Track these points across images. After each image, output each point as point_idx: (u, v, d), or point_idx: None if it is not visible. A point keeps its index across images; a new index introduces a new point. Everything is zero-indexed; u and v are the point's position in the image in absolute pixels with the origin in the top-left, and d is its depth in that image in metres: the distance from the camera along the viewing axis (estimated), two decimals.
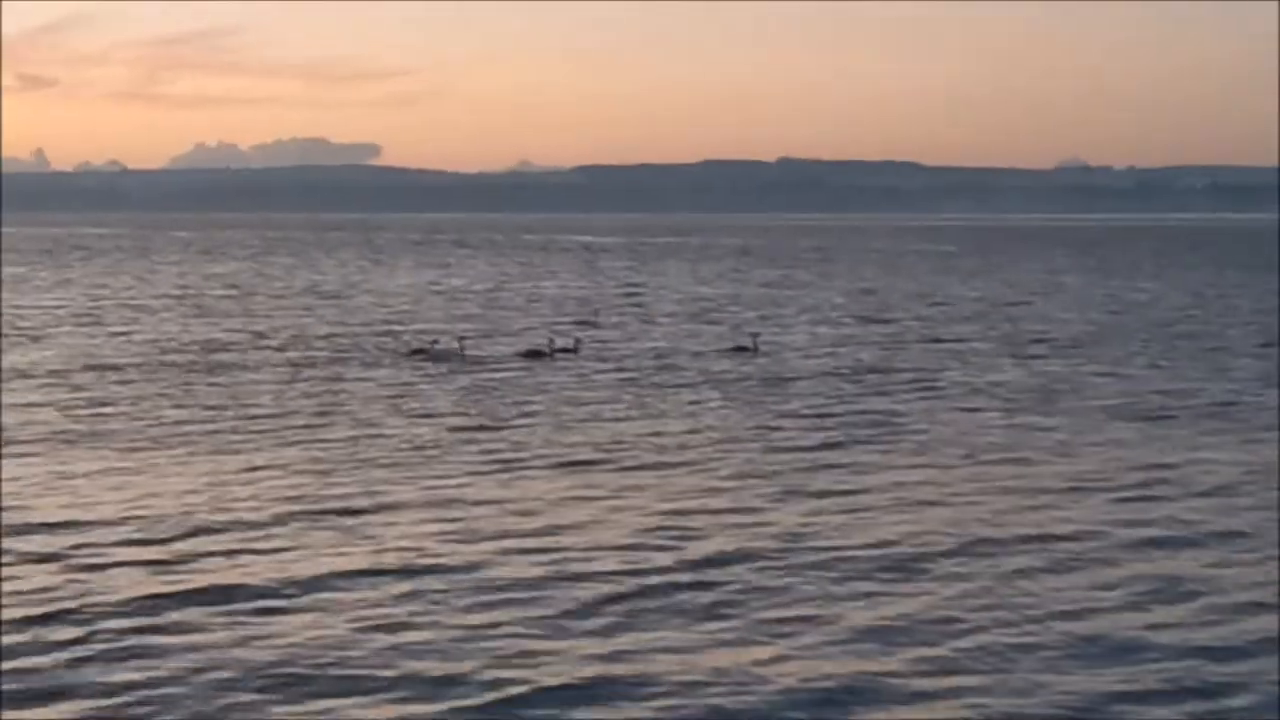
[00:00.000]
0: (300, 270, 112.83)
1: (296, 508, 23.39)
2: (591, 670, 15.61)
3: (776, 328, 58.59)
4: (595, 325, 57.17)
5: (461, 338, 49.00)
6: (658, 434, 31.09)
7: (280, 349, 49.00)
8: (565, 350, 47.23)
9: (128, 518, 22.61)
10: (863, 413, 34.42)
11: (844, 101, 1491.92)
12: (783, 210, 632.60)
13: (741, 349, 48.37)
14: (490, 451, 28.90)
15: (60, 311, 65.87)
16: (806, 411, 34.66)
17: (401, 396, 37.08)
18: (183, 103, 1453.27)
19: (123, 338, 53.05)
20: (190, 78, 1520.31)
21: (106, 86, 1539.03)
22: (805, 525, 22.43)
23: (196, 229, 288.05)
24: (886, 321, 62.15)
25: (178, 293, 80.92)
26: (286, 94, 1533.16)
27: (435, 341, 48.47)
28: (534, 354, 46.95)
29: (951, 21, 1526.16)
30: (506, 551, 20.65)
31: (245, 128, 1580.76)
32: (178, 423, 32.30)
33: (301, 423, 32.38)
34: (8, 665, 15.51)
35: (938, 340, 53.23)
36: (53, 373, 41.58)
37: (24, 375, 40.98)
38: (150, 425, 31.96)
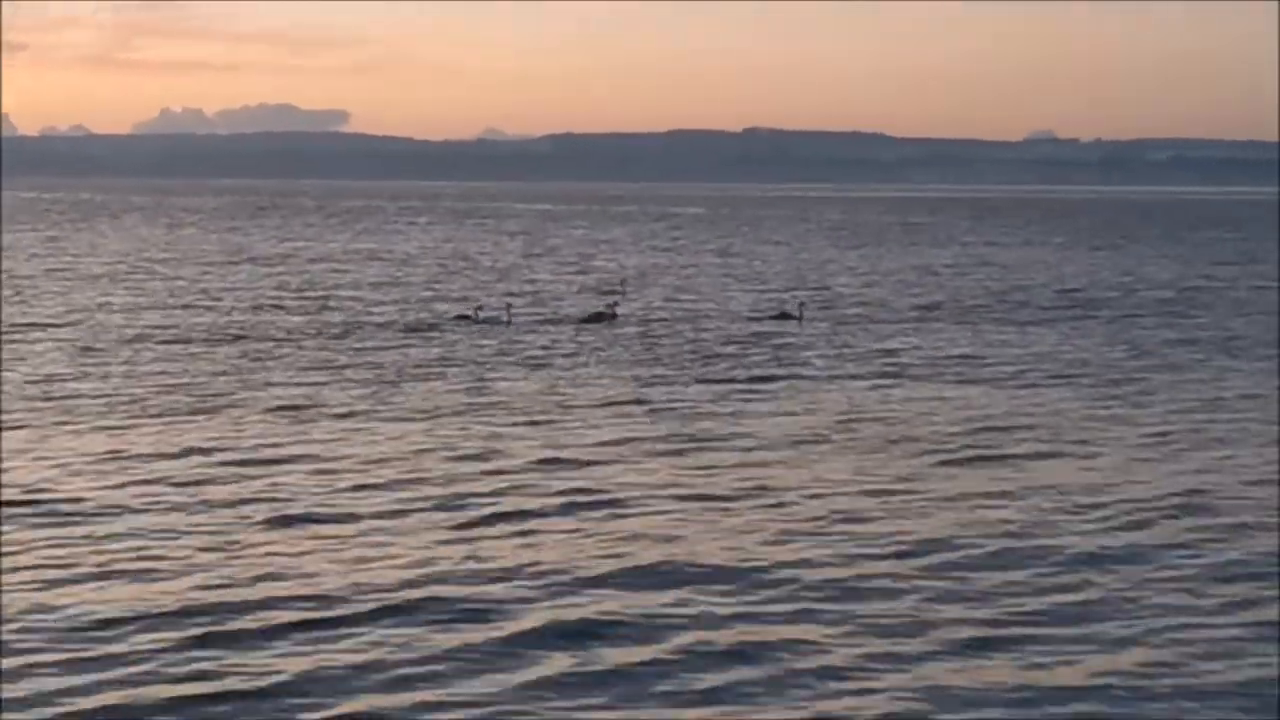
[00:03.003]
0: (320, 235, 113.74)
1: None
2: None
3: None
4: (623, 294, 57.71)
5: (509, 304, 49.80)
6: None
7: (318, 315, 49.70)
8: (602, 316, 47.90)
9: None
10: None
11: (812, 73, 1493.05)
12: (750, 180, 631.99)
13: (786, 316, 49.26)
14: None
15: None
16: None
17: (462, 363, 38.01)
18: (150, 68, 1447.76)
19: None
20: (158, 44, 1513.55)
21: (74, 51, 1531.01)
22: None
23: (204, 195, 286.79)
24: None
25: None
26: (254, 60, 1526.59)
27: (480, 307, 49.03)
28: (593, 319, 47.66)
29: None
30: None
31: (212, 94, 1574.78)
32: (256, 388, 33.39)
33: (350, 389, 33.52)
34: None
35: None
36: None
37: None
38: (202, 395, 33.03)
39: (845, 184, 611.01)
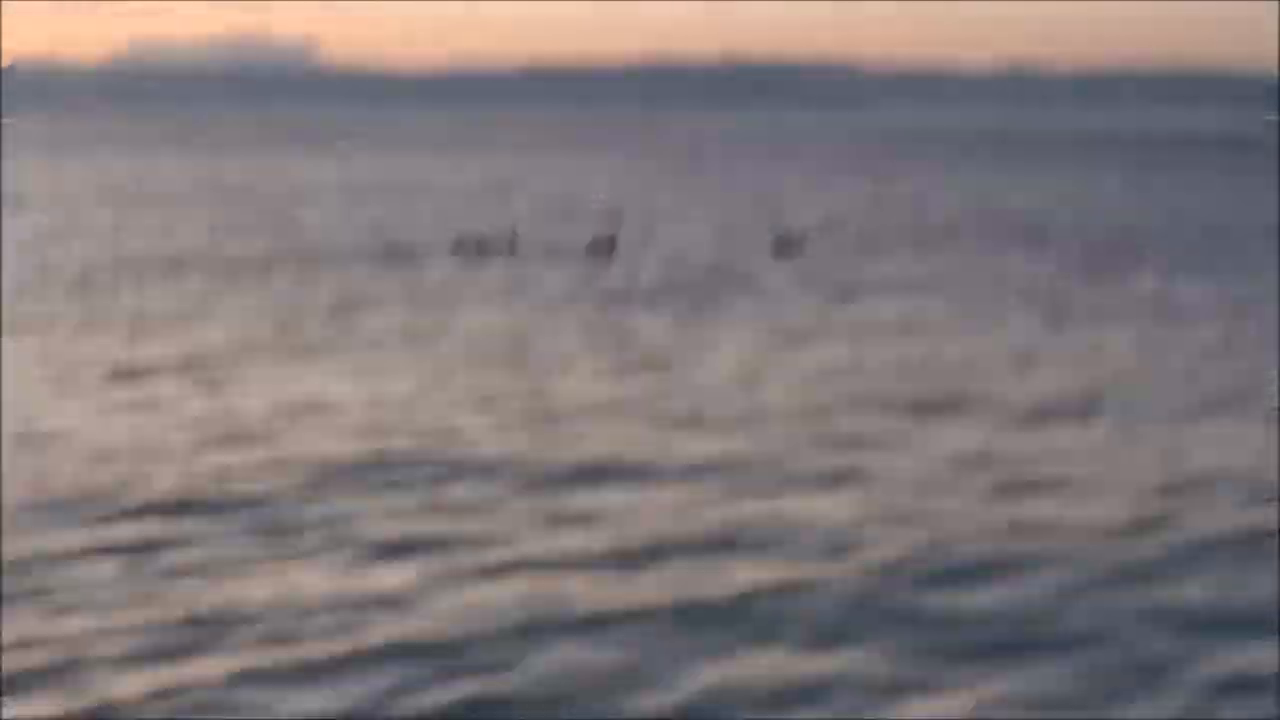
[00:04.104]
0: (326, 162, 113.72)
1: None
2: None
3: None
4: (621, 223, 56.89)
5: (513, 231, 49.41)
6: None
7: (303, 243, 49.83)
8: (602, 247, 47.61)
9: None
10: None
11: (786, 2, 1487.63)
12: (725, 110, 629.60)
13: (789, 245, 49.25)
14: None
15: None
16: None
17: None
18: None
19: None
20: None
21: None
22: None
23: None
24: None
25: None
26: None
27: (482, 235, 48.72)
28: (594, 249, 47.37)
29: None
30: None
31: (181, 23, 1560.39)
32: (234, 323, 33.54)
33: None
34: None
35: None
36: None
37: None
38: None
39: (822, 113, 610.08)
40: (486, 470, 19.18)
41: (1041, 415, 23.05)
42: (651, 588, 14.83)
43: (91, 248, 46.88)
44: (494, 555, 15.76)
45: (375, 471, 19.01)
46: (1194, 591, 15.06)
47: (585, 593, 14.67)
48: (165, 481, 18.24)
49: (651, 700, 12.23)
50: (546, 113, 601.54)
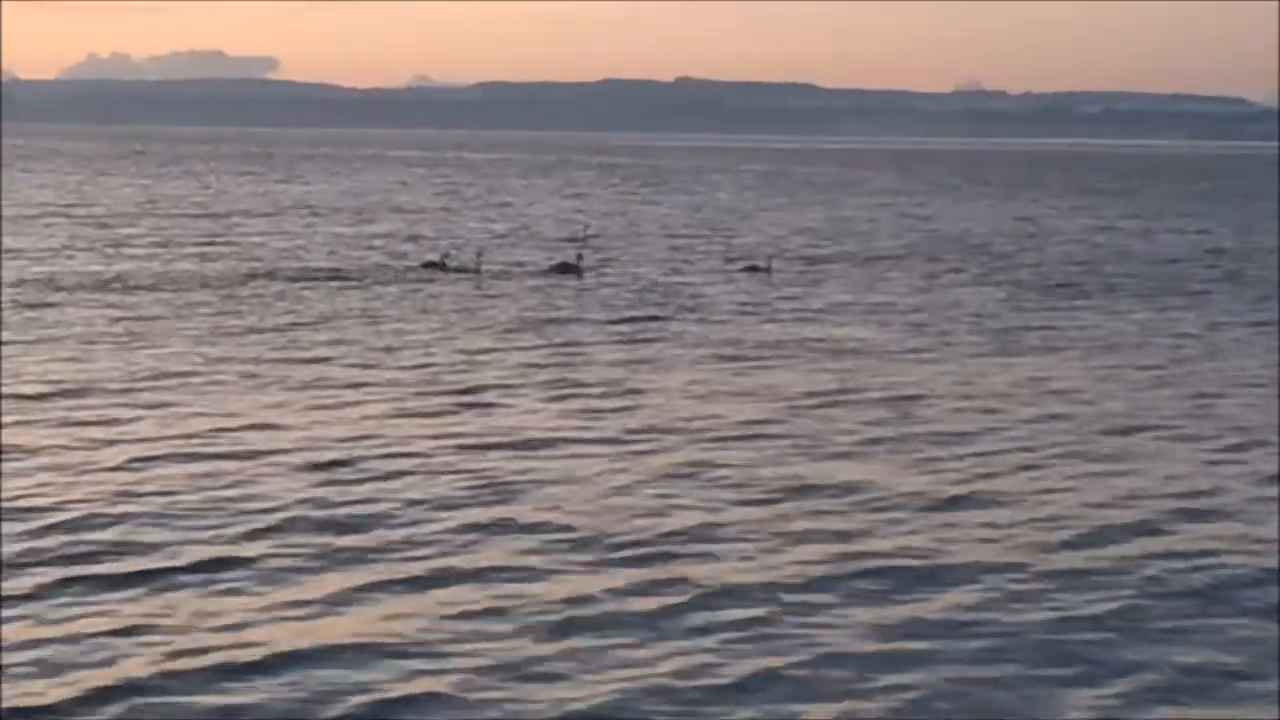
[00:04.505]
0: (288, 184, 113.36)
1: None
2: None
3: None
4: (585, 243, 56.57)
5: (480, 252, 49.27)
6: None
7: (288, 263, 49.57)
8: (569, 267, 47.32)
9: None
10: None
11: (742, 22, 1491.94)
12: (681, 130, 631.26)
13: (755, 269, 49.35)
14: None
15: None
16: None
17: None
18: (75, 12, 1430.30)
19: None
20: None
21: None
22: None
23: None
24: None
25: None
26: (182, 4, 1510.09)
27: (447, 255, 48.59)
28: (560, 269, 47.12)
29: None
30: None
31: (140, 39, 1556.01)
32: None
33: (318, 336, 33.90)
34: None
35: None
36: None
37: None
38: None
39: (775, 134, 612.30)
40: (423, 483, 19.43)
41: (981, 436, 23.38)
42: (578, 594, 15.15)
43: (41, 266, 46.73)
44: (421, 565, 16.07)
45: (312, 488, 19.18)
46: (1115, 602, 15.43)
47: (510, 598, 14.98)
48: (101, 498, 18.36)
49: (570, 702, 12.57)
50: (505, 131, 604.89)
